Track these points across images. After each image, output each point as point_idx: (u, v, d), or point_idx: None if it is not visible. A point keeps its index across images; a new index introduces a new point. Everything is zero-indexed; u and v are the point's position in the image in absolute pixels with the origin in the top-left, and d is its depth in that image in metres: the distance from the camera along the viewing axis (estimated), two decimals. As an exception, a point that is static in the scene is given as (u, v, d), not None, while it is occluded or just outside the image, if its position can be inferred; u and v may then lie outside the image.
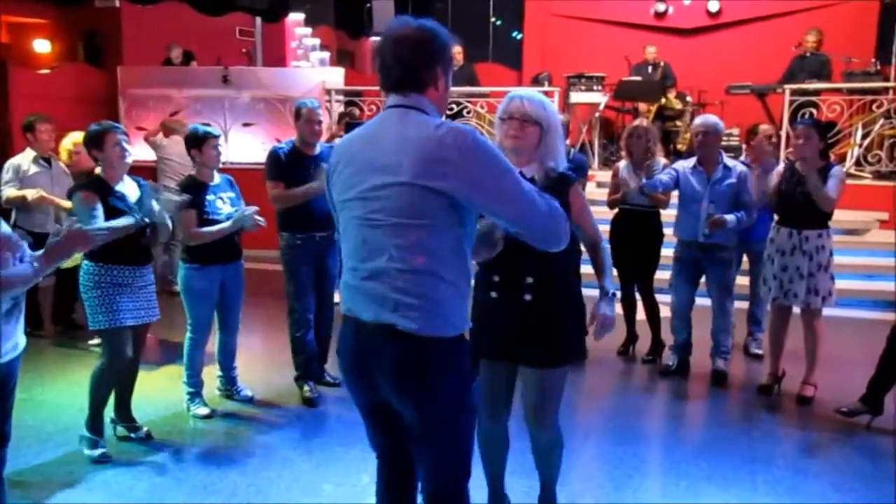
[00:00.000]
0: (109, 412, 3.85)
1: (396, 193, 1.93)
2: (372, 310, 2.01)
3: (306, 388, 4.48)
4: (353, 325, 2.09)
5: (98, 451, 3.64)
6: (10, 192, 5.37)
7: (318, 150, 4.42)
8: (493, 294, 2.70)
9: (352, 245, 2.07)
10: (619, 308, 5.47)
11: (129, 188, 3.67)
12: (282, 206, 4.32)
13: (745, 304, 5.49)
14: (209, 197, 4.05)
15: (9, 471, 2.76)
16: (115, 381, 3.69)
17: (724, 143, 5.89)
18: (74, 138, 5.20)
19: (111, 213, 3.51)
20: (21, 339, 2.62)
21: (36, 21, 11.23)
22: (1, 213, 4.71)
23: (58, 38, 11.41)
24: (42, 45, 11.33)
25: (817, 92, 8.42)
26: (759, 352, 5.32)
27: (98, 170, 3.65)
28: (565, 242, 2.09)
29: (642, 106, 9.78)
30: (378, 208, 1.96)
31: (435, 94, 2.05)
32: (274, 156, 4.34)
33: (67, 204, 5.32)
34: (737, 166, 4.73)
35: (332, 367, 4.77)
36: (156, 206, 3.70)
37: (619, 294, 2.90)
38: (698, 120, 4.88)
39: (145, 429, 3.90)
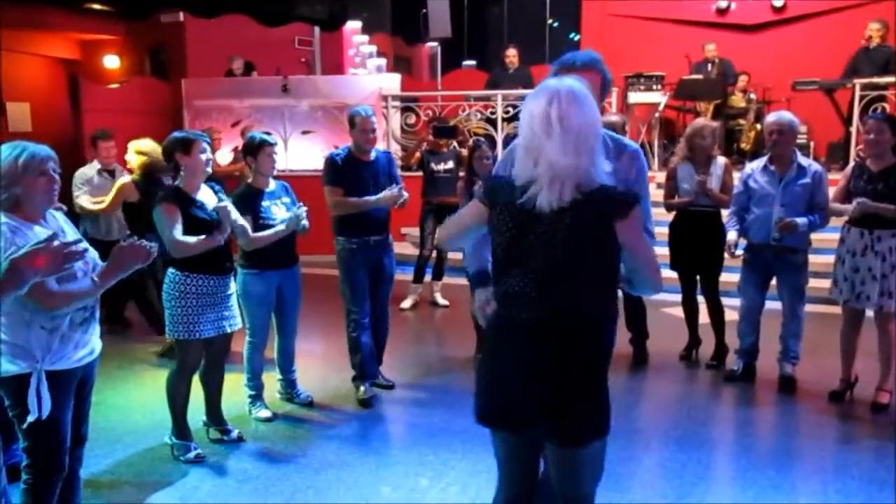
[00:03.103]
0: (202, 416, 3.96)
1: None
2: None
3: (362, 388, 4.54)
4: None
5: (193, 454, 3.72)
6: (85, 200, 5.64)
7: (373, 156, 4.47)
8: None
9: None
10: (680, 311, 5.36)
11: (206, 196, 3.71)
12: (341, 213, 4.39)
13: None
14: (265, 203, 4.11)
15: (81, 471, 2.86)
16: (187, 388, 3.75)
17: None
18: (137, 146, 5.35)
19: (192, 223, 3.54)
20: (97, 344, 2.72)
21: (105, 38, 11.68)
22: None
23: (126, 54, 11.84)
24: (111, 61, 11.77)
25: (887, 86, 8.07)
26: None
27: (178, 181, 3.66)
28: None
29: (700, 105, 9.56)
30: None
31: None
32: (331, 162, 4.43)
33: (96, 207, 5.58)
34: (812, 165, 4.53)
35: (387, 369, 4.82)
36: (233, 211, 3.78)
37: None
38: (772, 118, 4.61)
39: (237, 431, 3.97)
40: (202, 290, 3.62)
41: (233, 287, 3.82)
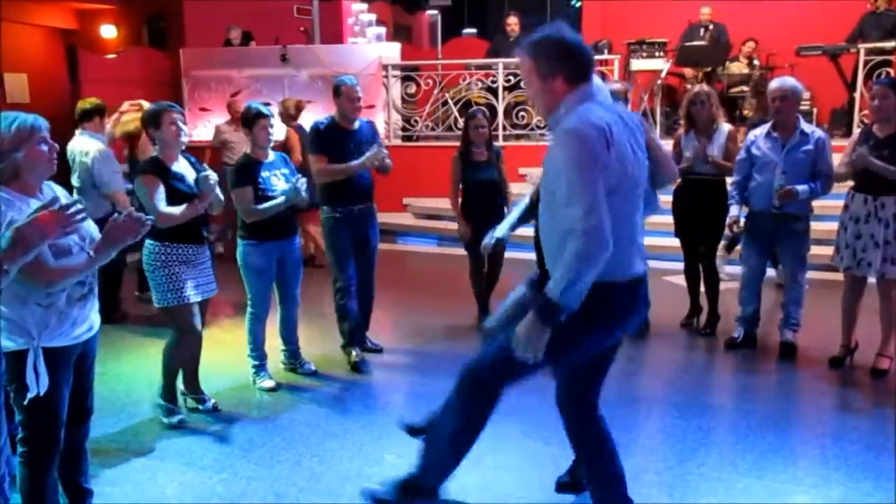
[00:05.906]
0: (180, 385, 3.98)
1: None
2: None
3: (353, 353, 4.64)
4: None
5: (176, 418, 3.81)
6: None
7: (357, 125, 4.48)
8: None
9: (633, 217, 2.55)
10: (682, 280, 5.37)
11: (184, 167, 3.71)
12: (327, 180, 4.41)
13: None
14: (264, 174, 4.11)
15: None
16: (186, 355, 3.81)
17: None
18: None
19: (173, 195, 3.56)
20: (96, 320, 2.72)
21: (102, 7, 11.55)
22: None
23: (123, 24, 11.73)
24: (109, 31, 11.66)
25: (892, 51, 7.98)
26: None
27: (155, 151, 3.69)
28: None
29: (688, 71, 9.45)
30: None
31: None
32: (316, 130, 4.46)
33: None
34: (815, 132, 4.50)
35: (373, 334, 4.91)
36: (210, 181, 3.76)
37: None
38: (775, 83, 4.58)
39: (212, 401, 4.02)
40: (181, 258, 3.67)
41: (209, 255, 3.86)
